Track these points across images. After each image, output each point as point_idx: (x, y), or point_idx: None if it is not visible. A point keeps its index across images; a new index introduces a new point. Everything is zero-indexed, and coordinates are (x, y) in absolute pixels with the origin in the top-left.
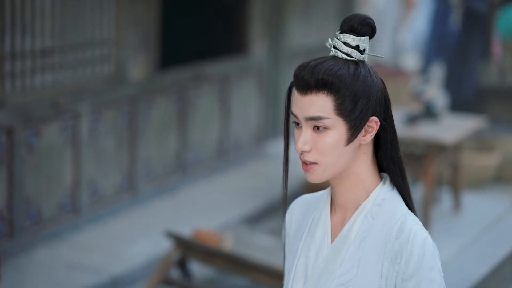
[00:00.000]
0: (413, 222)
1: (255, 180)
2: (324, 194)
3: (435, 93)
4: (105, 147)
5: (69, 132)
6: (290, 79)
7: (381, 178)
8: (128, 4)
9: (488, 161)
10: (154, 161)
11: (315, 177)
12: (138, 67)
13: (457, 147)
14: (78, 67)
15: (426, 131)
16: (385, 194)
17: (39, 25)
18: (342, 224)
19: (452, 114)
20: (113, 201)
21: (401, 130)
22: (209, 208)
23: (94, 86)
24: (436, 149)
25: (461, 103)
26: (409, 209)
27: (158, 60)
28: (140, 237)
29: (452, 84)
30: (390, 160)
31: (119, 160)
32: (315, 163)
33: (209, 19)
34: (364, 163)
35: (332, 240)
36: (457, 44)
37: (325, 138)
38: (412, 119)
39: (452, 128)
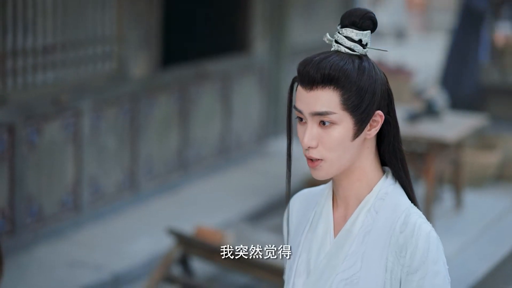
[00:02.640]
0: (416, 215)
1: (256, 178)
2: (325, 188)
3: (436, 91)
4: (107, 145)
5: (70, 129)
6: (291, 77)
7: (384, 172)
8: (130, 1)
9: (490, 159)
10: (155, 159)
11: (322, 173)
12: (140, 65)
13: (458, 145)
14: (80, 65)
15: (428, 129)
16: (387, 188)
17: (41, 22)
18: (345, 218)
19: (454, 112)
20: (114, 199)
21: (403, 128)
22: (211, 206)
23: (96, 83)
24: (437, 146)
25: (459, 101)
26: (411, 202)
27: (160, 58)
28: (142, 234)
29: (450, 83)
30: (392, 153)
31: (120, 157)
32: (321, 159)
33: (210, 18)
34: (368, 158)
35: (334, 235)
36: (456, 43)
37: (331, 133)
38: (413, 117)
39: (454, 126)
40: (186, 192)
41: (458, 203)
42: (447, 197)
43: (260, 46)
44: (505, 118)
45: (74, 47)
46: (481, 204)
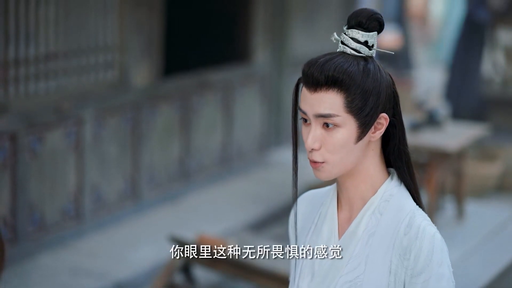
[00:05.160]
0: (421, 217)
1: (258, 187)
2: (330, 189)
3: (438, 102)
4: (108, 153)
5: (72, 137)
6: (292, 87)
7: (389, 173)
8: (131, 10)
9: (491, 170)
10: (157, 167)
11: (324, 175)
12: (142, 74)
13: (460, 155)
14: (82, 73)
15: (429, 138)
16: (392, 189)
17: (43, 31)
18: (349, 220)
19: (455, 122)
20: (116, 207)
21: None
22: (212, 215)
23: (98, 92)
24: (439, 156)
25: (461, 113)
26: (417, 204)
27: (162, 66)
28: (144, 243)
29: (453, 94)
30: (397, 156)
31: (122, 166)
32: (324, 162)
33: (212, 27)
34: (373, 160)
35: (339, 237)
36: (457, 55)
37: (335, 136)
38: (415, 127)
39: (455, 135)
40: (188, 201)
41: (460, 213)
42: (449, 207)
43: (261, 55)
44: (506, 129)
45: (76, 55)
46: (482, 214)
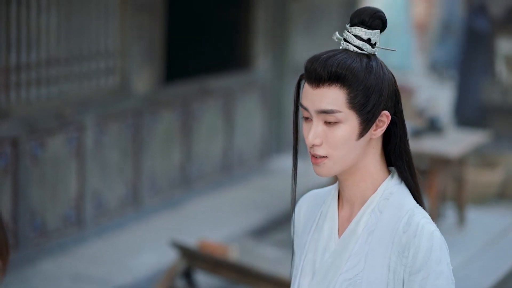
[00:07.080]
0: (420, 215)
1: (259, 194)
2: (332, 188)
3: (439, 109)
4: (110, 159)
5: (73, 143)
6: (293, 94)
7: (389, 172)
8: (133, 16)
9: (492, 177)
10: (158, 174)
11: (325, 171)
12: (143, 80)
13: (461, 161)
14: (83, 79)
15: (431, 145)
16: (392, 187)
17: (45, 36)
18: (350, 218)
19: (456, 129)
20: (117, 214)
21: None
22: (213, 222)
23: (99, 98)
24: (440, 162)
25: (463, 121)
26: (418, 203)
27: (163, 73)
28: (145, 249)
29: (455, 103)
30: (398, 155)
31: (123, 172)
32: (325, 157)
33: (213, 34)
34: (373, 158)
35: (339, 235)
36: (460, 63)
37: (336, 132)
38: (416, 133)
39: (456, 141)
40: (189, 208)
41: (461, 220)
42: (450, 214)
43: (262, 62)
44: (507, 137)
45: (77, 61)
46: (484, 221)
